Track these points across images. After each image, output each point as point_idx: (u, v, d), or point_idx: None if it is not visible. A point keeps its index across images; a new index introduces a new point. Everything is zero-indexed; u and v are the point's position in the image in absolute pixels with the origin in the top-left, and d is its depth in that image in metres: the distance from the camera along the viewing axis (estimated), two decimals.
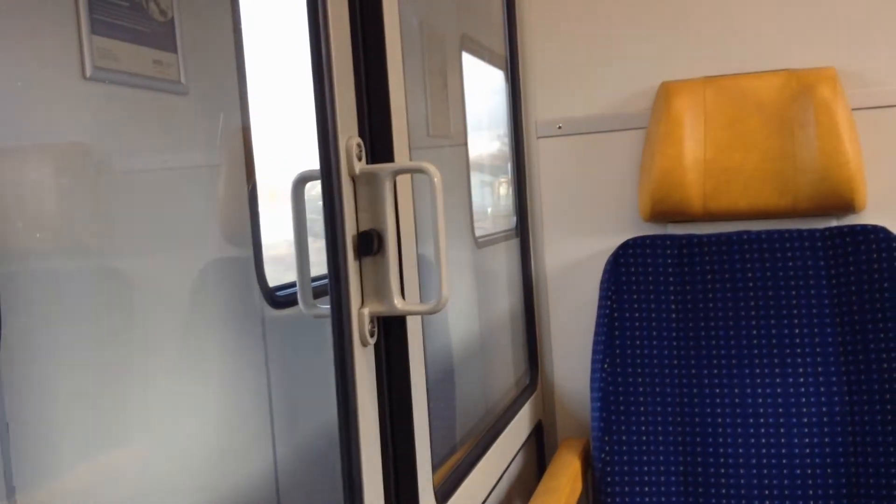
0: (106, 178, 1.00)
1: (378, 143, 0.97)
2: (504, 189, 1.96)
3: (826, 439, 1.57)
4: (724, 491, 1.60)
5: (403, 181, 1.01)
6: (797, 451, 1.58)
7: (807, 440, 1.58)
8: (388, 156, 0.97)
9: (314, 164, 0.90)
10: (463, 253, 1.73)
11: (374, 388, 0.95)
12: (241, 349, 1.25)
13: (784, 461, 1.58)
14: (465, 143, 1.77)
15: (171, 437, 1.08)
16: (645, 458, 1.63)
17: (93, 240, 0.98)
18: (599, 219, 1.84)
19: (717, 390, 1.64)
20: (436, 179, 0.93)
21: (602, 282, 1.70)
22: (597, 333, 1.69)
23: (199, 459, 1.15)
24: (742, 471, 1.60)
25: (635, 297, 1.68)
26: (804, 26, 1.71)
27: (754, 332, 1.64)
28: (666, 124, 1.69)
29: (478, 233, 1.80)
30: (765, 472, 1.59)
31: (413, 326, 1.02)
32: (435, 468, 1.09)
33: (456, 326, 1.64)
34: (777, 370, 1.62)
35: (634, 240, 1.70)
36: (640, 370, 1.66)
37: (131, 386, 1.00)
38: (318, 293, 0.98)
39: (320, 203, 0.89)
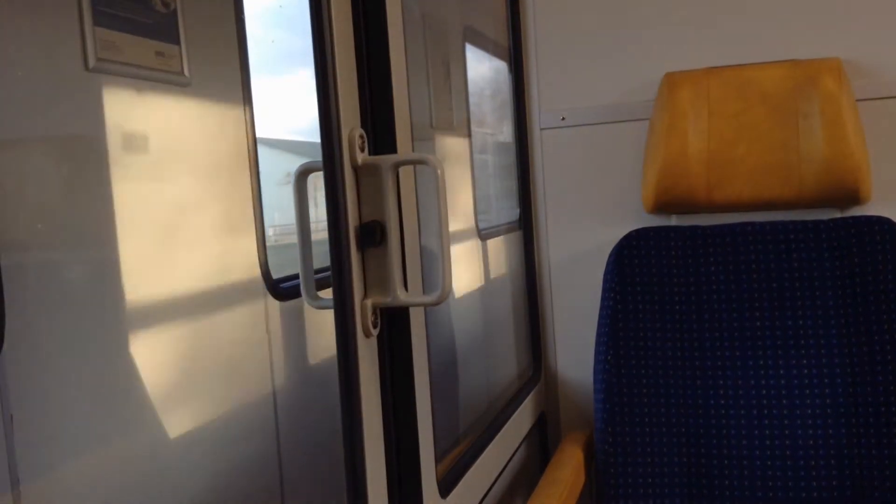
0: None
1: (381, 135, 0.97)
2: (507, 181, 1.96)
3: (830, 431, 1.57)
4: (727, 482, 1.60)
5: (406, 172, 1.00)
6: (800, 442, 1.58)
7: (810, 431, 1.58)
8: (390, 147, 0.97)
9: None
10: (466, 244, 1.72)
11: (376, 380, 0.95)
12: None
13: (787, 452, 1.58)
14: (468, 135, 1.76)
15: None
16: (648, 449, 1.63)
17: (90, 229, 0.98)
18: (603, 210, 1.84)
19: (721, 382, 1.63)
20: (438, 171, 0.92)
21: (605, 273, 1.70)
22: (600, 325, 1.69)
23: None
24: (745, 462, 1.60)
25: (639, 288, 1.68)
26: (809, 16, 1.70)
27: (758, 323, 1.64)
28: (670, 115, 1.69)
29: (481, 224, 1.80)
30: (768, 463, 1.59)
31: (416, 318, 1.02)
32: (438, 460, 1.09)
33: (459, 318, 1.64)
34: (781, 361, 1.61)
35: (638, 231, 1.70)
36: (643, 362, 1.66)
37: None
38: (321, 285, 0.98)
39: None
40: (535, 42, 1.85)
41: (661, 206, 1.71)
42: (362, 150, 0.92)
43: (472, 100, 1.79)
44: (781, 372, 1.61)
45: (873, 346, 1.57)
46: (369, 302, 0.92)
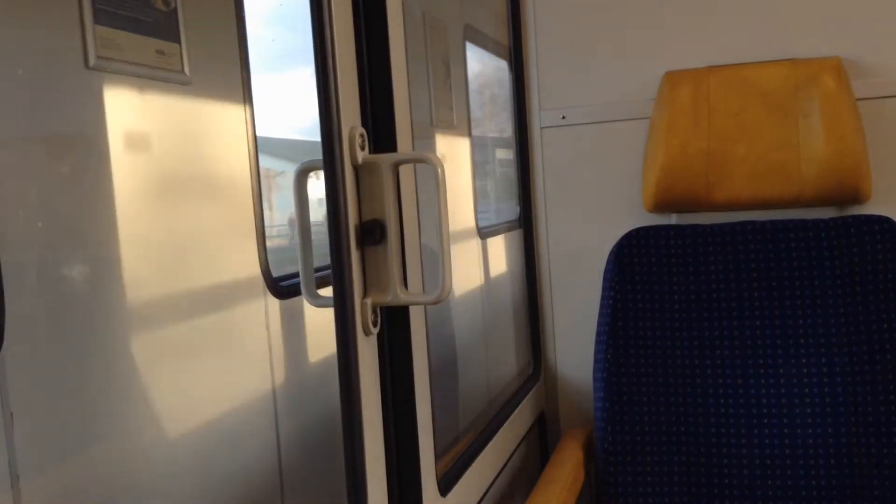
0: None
1: (381, 133, 0.97)
2: (507, 179, 1.96)
3: (829, 429, 1.57)
4: (726, 481, 1.60)
5: (406, 171, 1.01)
6: (800, 440, 1.58)
7: (810, 430, 1.58)
8: (390, 145, 0.97)
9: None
10: (466, 243, 1.72)
11: (376, 378, 0.95)
12: None
13: (787, 451, 1.58)
14: (469, 133, 1.76)
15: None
16: (648, 447, 1.63)
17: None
18: (603, 209, 1.84)
19: (720, 380, 1.64)
20: (438, 169, 0.93)
21: (605, 272, 1.70)
22: (600, 324, 1.69)
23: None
24: (745, 461, 1.60)
25: (639, 287, 1.68)
26: (809, 15, 1.70)
27: (758, 322, 1.64)
28: (670, 114, 1.69)
29: (481, 223, 1.80)
30: (767, 461, 1.59)
31: (416, 316, 1.02)
32: (437, 458, 1.09)
33: (459, 317, 1.64)
34: (781, 360, 1.61)
35: (638, 230, 1.70)
36: (643, 360, 1.66)
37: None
38: (321, 283, 0.97)
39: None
40: (535, 41, 1.85)
41: (662, 204, 1.71)
42: (362, 148, 0.92)
43: (472, 98, 1.79)
44: (781, 371, 1.61)
45: (873, 346, 1.57)
46: (369, 300, 0.92)
